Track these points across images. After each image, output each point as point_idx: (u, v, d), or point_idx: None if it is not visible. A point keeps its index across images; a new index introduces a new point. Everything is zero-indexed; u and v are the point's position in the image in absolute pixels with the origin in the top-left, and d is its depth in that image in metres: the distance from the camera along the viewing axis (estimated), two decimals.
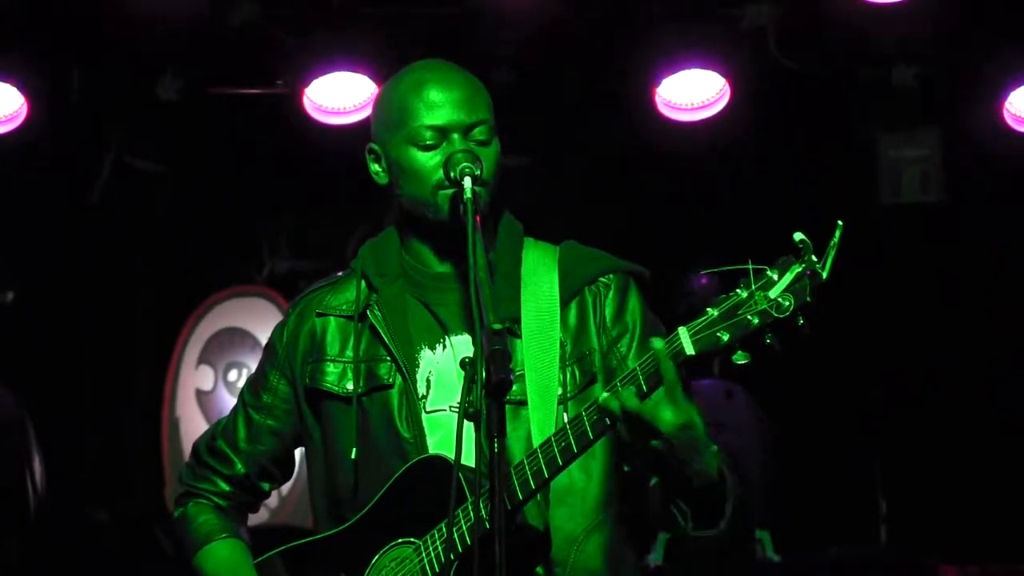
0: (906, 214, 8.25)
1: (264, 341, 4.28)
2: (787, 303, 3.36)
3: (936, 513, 8.61)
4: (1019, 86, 7.63)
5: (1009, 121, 7.70)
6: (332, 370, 3.97)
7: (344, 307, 4.00)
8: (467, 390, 3.46)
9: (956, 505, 8.57)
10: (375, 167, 3.97)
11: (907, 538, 8.74)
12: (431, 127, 3.83)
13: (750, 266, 3.40)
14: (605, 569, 3.80)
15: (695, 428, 3.50)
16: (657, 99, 7.73)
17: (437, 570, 3.66)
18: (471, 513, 3.52)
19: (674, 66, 7.61)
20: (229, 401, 9.24)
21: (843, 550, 7.99)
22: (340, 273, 4.11)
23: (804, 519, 8.41)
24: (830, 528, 8.52)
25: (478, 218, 3.67)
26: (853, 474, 8.90)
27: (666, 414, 3.47)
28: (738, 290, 3.41)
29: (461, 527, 3.61)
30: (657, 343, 3.47)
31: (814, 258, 3.36)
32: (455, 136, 3.82)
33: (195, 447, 4.21)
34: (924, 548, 8.23)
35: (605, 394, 3.52)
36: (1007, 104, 7.68)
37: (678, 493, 3.62)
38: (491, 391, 3.36)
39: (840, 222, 3.34)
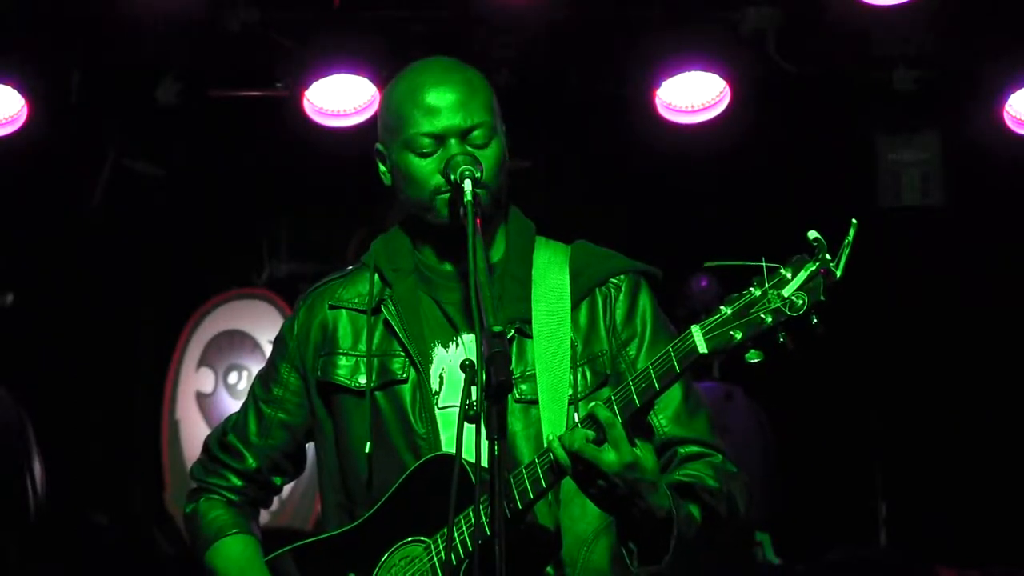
0: (906, 217, 8.25)
1: (265, 343, 4.29)
2: (801, 302, 3.35)
3: (936, 516, 8.62)
4: (1019, 89, 7.64)
5: (1009, 124, 7.71)
6: (344, 363, 3.96)
7: (356, 300, 3.99)
8: (467, 392, 3.46)
9: (956, 508, 8.58)
10: (381, 167, 3.98)
11: (907, 541, 8.75)
12: (427, 134, 3.82)
13: (763, 264, 3.40)
14: (612, 571, 3.79)
15: (640, 470, 3.50)
16: (657, 102, 7.74)
17: (450, 568, 3.66)
18: (481, 513, 3.51)
19: (674, 69, 7.62)
20: (229, 403, 9.26)
21: (843, 552, 7.99)
22: (351, 267, 4.10)
23: (804, 521, 8.42)
24: (830, 530, 8.53)
25: (478, 221, 3.66)
26: (853, 476, 8.91)
27: (608, 456, 3.47)
28: (751, 288, 3.40)
29: (482, 524, 3.60)
30: (598, 409, 3.50)
31: (828, 257, 3.36)
32: (452, 141, 3.81)
33: (206, 443, 4.20)
34: (924, 551, 8.24)
35: (553, 437, 3.55)
36: (1007, 107, 7.69)
37: (625, 532, 3.62)
38: (491, 393, 3.36)
39: (854, 220, 3.34)
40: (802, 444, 8.56)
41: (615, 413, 3.50)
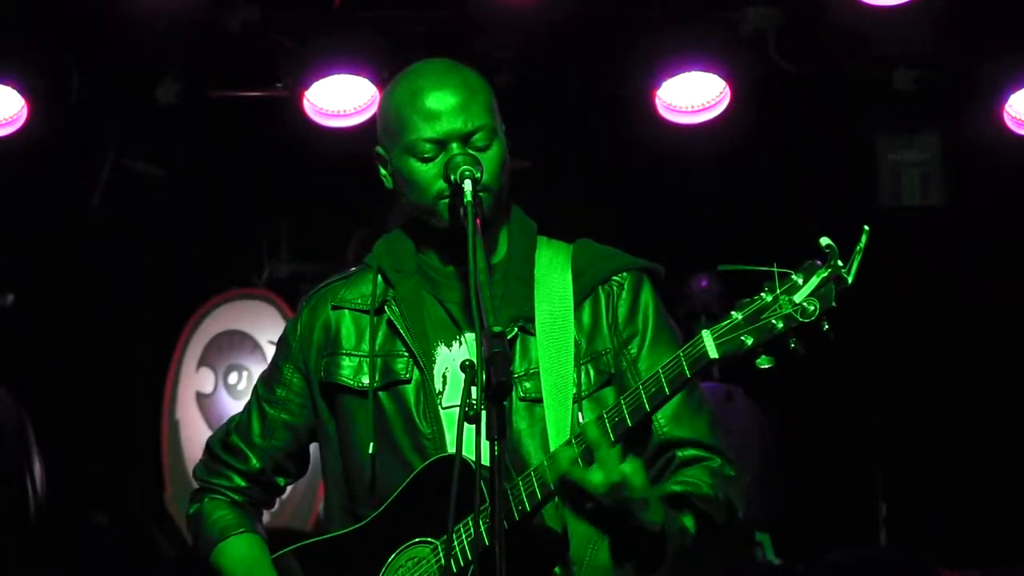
0: (906, 217, 8.25)
1: (265, 344, 4.29)
2: (812, 308, 3.35)
3: (936, 516, 8.63)
4: (1019, 89, 7.64)
5: (1009, 124, 7.71)
6: (347, 364, 3.96)
7: (359, 301, 3.99)
8: (467, 392, 3.46)
9: (956, 508, 8.59)
10: (382, 171, 3.97)
11: (907, 541, 8.76)
12: (428, 140, 3.81)
13: (775, 269, 3.40)
14: (617, 569, 3.78)
15: (628, 488, 3.48)
16: (657, 102, 7.74)
17: (454, 570, 3.66)
18: (487, 514, 3.51)
19: (674, 69, 7.62)
20: (229, 404, 9.26)
21: (843, 552, 7.99)
22: (354, 268, 4.09)
23: (804, 521, 8.42)
24: (830, 530, 8.54)
25: (478, 221, 3.66)
26: (853, 476, 8.92)
27: (595, 477, 3.47)
28: (762, 294, 3.39)
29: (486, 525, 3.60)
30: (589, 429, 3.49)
31: (840, 263, 3.35)
32: (453, 145, 3.80)
33: (209, 443, 4.19)
34: (924, 551, 8.25)
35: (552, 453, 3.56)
36: (1007, 107, 7.70)
37: (619, 548, 3.62)
38: (491, 394, 3.36)
39: (866, 227, 3.34)
40: (802, 444, 8.56)
41: (606, 431, 3.49)
